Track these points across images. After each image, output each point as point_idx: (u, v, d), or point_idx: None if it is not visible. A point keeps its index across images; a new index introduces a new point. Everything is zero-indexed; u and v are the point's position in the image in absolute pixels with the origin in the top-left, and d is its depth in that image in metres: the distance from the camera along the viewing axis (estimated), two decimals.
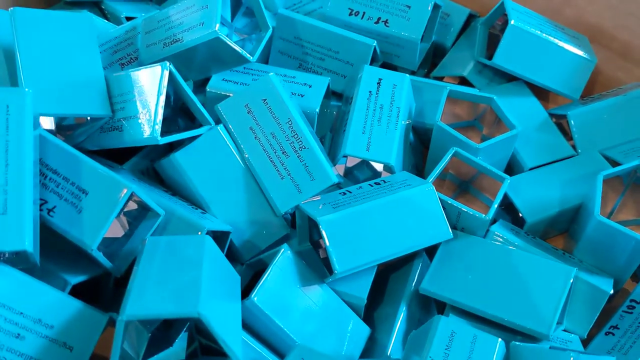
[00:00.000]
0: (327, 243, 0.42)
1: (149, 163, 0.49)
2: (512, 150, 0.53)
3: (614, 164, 0.52)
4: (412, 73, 0.56)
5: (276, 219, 0.47)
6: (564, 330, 0.45)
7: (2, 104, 0.38)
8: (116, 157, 0.47)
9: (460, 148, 0.48)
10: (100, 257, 0.40)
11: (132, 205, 0.43)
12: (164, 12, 0.50)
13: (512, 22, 0.53)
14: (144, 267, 0.38)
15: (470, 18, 0.61)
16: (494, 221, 0.49)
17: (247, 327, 0.41)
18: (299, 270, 0.43)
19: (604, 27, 0.57)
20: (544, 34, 0.54)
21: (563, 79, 0.56)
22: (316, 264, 0.45)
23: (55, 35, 0.45)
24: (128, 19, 0.57)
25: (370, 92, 0.50)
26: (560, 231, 0.53)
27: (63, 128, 0.47)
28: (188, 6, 0.48)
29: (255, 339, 0.41)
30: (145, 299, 0.36)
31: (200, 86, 0.52)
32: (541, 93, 0.58)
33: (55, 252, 0.41)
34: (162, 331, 0.40)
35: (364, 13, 0.55)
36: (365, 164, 0.52)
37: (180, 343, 0.40)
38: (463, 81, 0.58)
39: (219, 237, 0.44)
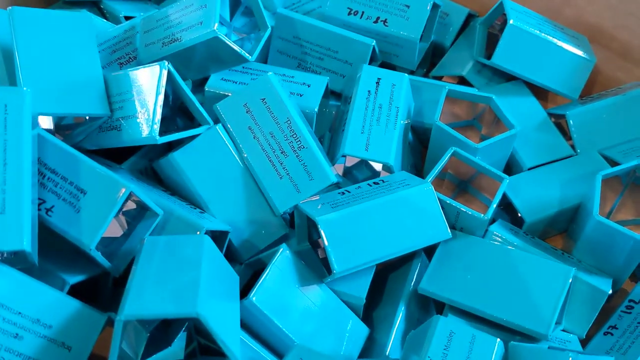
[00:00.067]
0: (326, 243, 0.42)
1: (148, 162, 0.48)
2: (511, 150, 0.53)
3: (613, 163, 0.52)
4: (411, 73, 0.56)
5: (275, 219, 0.47)
6: (563, 330, 0.45)
7: (1, 104, 0.38)
8: (115, 156, 0.47)
9: (459, 148, 0.48)
10: (98, 256, 0.40)
11: (131, 205, 0.43)
12: (162, 11, 0.50)
13: (511, 21, 0.53)
14: (142, 266, 0.38)
15: (470, 18, 0.61)
16: (492, 221, 0.49)
17: (245, 327, 0.41)
18: (297, 270, 0.43)
19: (603, 27, 0.57)
20: (543, 34, 0.54)
21: (562, 79, 0.56)
22: (315, 264, 0.45)
23: (54, 34, 0.45)
24: (127, 18, 0.57)
25: (369, 91, 0.50)
26: (559, 231, 0.53)
27: (62, 127, 0.47)
28: (187, 5, 0.48)
29: (254, 339, 0.41)
30: (143, 299, 0.36)
31: (198, 85, 0.52)
32: (540, 93, 0.58)
33: (53, 252, 0.41)
34: (161, 331, 0.40)
35: (363, 12, 0.55)
36: (364, 163, 0.52)
37: (179, 343, 0.40)
38: (462, 81, 0.58)
39: (218, 237, 0.44)
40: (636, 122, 0.54)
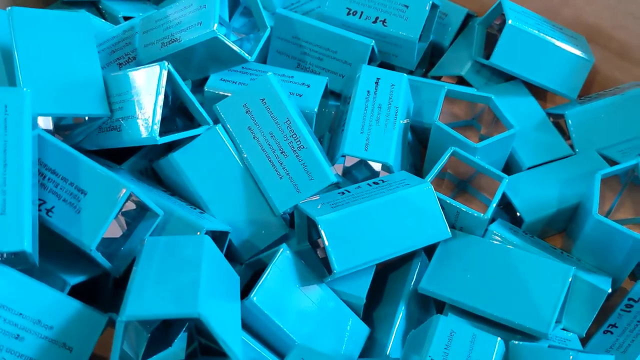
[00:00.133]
0: (326, 243, 0.42)
1: (148, 163, 0.48)
2: (510, 150, 0.53)
3: (612, 163, 0.52)
4: (410, 73, 0.56)
5: (275, 219, 0.47)
6: (563, 329, 0.45)
7: (1, 104, 0.38)
8: (114, 157, 0.47)
9: (459, 147, 0.49)
10: (99, 257, 0.40)
11: (131, 206, 0.43)
12: (161, 11, 0.50)
13: (510, 21, 0.53)
14: (143, 267, 0.38)
15: (468, 18, 0.61)
16: (492, 220, 0.49)
17: (246, 327, 0.41)
18: (298, 270, 0.43)
19: (602, 27, 0.58)
20: (542, 34, 0.54)
21: (561, 79, 0.56)
22: (315, 264, 0.45)
23: (53, 34, 0.45)
24: (126, 18, 0.56)
25: (368, 91, 0.50)
26: (559, 230, 0.53)
27: (61, 128, 0.47)
28: (186, 6, 0.48)
29: (255, 339, 0.41)
30: (144, 300, 0.36)
31: (198, 86, 0.52)
32: (539, 92, 0.58)
33: (54, 253, 0.41)
34: (162, 331, 0.40)
35: (362, 13, 0.55)
36: (363, 163, 0.52)
37: (180, 343, 0.40)
38: (461, 81, 0.58)
39: (218, 237, 0.44)
40: (634, 122, 0.54)
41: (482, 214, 0.46)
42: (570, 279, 0.43)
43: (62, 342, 0.38)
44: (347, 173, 0.52)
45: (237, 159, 0.46)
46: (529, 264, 0.44)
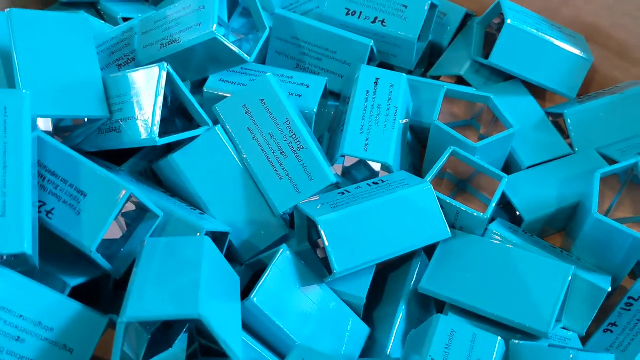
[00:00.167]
0: (326, 243, 0.42)
1: (147, 164, 0.48)
2: (509, 149, 0.53)
3: (611, 162, 0.52)
4: (409, 72, 0.56)
5: (275, 220, 0.47)
6: (563, 328, 0.45)
7: (0, 106, 0.38)
8: (114, 158, 0.47)
9: (458, 147, 0.49)
10: (99, 259, 0.40)
11: (131, 207, 0.43)
12: (160, 12, 0.50)
13: (509, 21, 0.53)
14: (143, 268, 0.38)
15: (467, 17, 0.61)
16: (492, 220, 0.49)
17: (246, 327, 0.41)
18: (298, 270, 0.43)
19: (600, 27, 0.58)
20: (541, 33, 0.54)
21: (560, 78, 0.56)
22: (315, 264, 0.45)
23: (53, 36, 0.45)
24: (124, 19, 0.56)
25: (367, 91, 0.50)
26: (558, 229, 0.53)
27: (60, 130, 0.47)
28: (185, 7, 0.48)
29: (255, 340, 0.41)
30: (145, 301, 0.36)
31: (197, 87, 0.52)
32: (538, 92, 0.58)
33: (54, 254, 0.41)
34: (162, 332, 0.40)
35: (361, 13, 0.55)
36: (362, 163, 0.52)
37: (181, 344, 0.40)
38: (460, 80, 0.58)
39: (218, 238, 0.44)
40: (633, 120, 0.55)
41: (481, 214, 0.46)
42: (570, 278, 0.43)
43: (62, 343, 0.38)
44: (347, 173, 0.52)
45: (237, 159, 0.46)
46: (529, 263, 0.44)
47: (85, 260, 0.41)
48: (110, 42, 0.51)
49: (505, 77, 0.58)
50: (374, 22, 0.54)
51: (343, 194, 0.45)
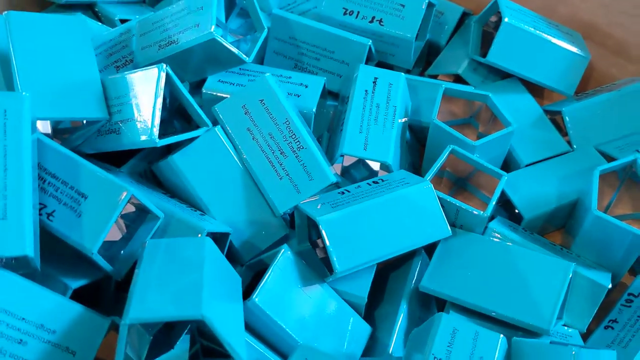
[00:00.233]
0: (327, 243, 0.42)
1: (147, 165, 0.48)
2: (508, 147, 0.53)
3: (609, 159, 0.52)
4: (407, 72, 0.56)
5: (275, 220, 0.47)
6: (564, 325, 0.45)
7: (0, 109, 0.38)
8: (113, 159, 0.47)
9: (457, 146, 0.49)
10: (100, 260, 0.40)
11: (131, 208, 0.43)
12: (158, 14, 0.50)
13: (506, 19, 0.53)
14: (145, 270, 0.38)
15: (464, 16, 0.61)
16: (491, 218, 0.49)
17: (248, 328, 0.41)
18: (299, 270, 0.43)
19: (597, 25, 0.58)
20: (538, 31, 0.54)
21: (557, 76, 0.56)
22: (316, 264, 0.45)
23: (51, 38, 0.45)
24: (122, 21, 0.56)
25: (366, 91, 0.50)
26: (557, 227, 0.53)
27: (58, 131, 0.47)
28: (183, 8, 0.48)
29: (258, 340, 0.41)
30: (148, 302, 0.36)
31: (195, 88, 0.52)
32: (536, 90, 0.58)
33: (55, 257, 0.41)
34: (164, 334, 0.40)
35: (359, 12, 0.55)
36: (361, 162, 0.52)
37: (183, 345, 0.40)
38: (457, 79, 0.58)
39: (219, 239, 0.44)
40: (631, 118, 0.55)
41: (482, 212, 0.46)
42: (570, 275, 0.43)
43: (65, 346, 0.38)
44: (346, 172, 0.52)
45: (237, 160, 0.46)
46: (529, 260, 0.44)
47: (86, 262, 0.41)
48: (108, 43, 0.51)
49: (502, 75, 0.58)
50: (371, 21, 0.54)
51: (343, 193, 0.45)
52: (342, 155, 0.49)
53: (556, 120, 0.56)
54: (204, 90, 0.50)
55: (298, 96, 0.50)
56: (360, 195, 0.45)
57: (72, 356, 0.38)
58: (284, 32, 0.54)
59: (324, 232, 0.42)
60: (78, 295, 0.40)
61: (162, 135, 0.43)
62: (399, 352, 0.44)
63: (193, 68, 0.50)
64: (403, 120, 0.51)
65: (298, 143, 0.46)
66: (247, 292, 0.42)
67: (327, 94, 0.53)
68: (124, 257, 0.42)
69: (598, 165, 0.48)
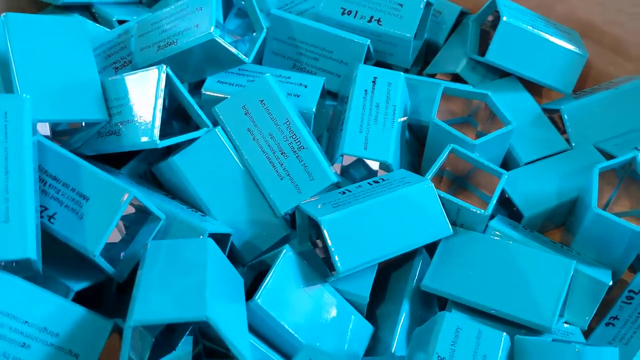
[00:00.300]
0: (329, 242, 0.42)
1: (147, 167, 0.48)
2: (507, 146, 0.53)
3: (608, 156, 0.53)
4: (406, 71, 0.56)
5: (276, 220, 0.47)
6: (565, 323, 0.46)
7: (1, 111, 0.38)
8: (113, 161, 0.47)
9: (457, 144, 0.49)
10: (102, 263, 0.40)
11: (133, 210, 0.43)
12: (157, 14, 0.49)
13: (504, 18, 0.54)
14: (147, 271, 0.38)
15: (462, 15, 0.61)
16: (492, 216, 0.49)
17: (251, 328, 0.41)
18: (301, 270, 0.43)
19: (594, 23, 0.58)
20: (536, 30, 0.55)
21: (555, 74, 0.56)
22: (318, 264, 0.45)
23: (49, 40, 0.45)
24: (119, 22, 0.56)
25: (365, 90, 0.50)
26: (557, 225, 0.53)
27: (57, 133, 0.47)
28: (182, 8, 0.48)
29: (261, 341, 0.41)
30: (152, 304, 0.36)
31: (194, 88, 0.51)
32: (534, 88, 0.58)
33: (56, 259, 0.40)
34: (166, 335, 0.40)
35: (357, 12, 0.55)
36: (361, 162, 0.52)
37: (185, 347, 0.40)
38: (455, 78, 0.58)
39: (220, 240, 0.44)
40: (629, 115, 0.55)
41: (482, 210, 0.46)
42: (571, 273, 0.43)
43: (68, 349, 0.38)
44: (345, 172, 0.52)
45: (237, 160, 0.46)
46: (530, 259, 0.44)
47: (88, 264, 0.41)
48: (107, 44, 0.51)
49: (501, 74, 0.58)
50: (369, 21, 0.54)
51: (344, 193, 0.45)
52: (342, 155, 0.49)
53: (554, 119, 0.57)
54: (203, 91, 0.50)
55: (297, 96, 0.49)
56: (361, 194, 0.45)
57: (75, 359, 0.38)
58: (283, 33, 0.54)
59: (325, 232, 0.42)
60: (80, 298, 0.40)
61: (162, 136, 0.43)
62: (401, 352, 0.44)
63: (192, 69, 0.50)
64: (403, 119, 0.51)
65: (299, 143, 0.46)
66: (249, 292, 0.42)
67: (326, 93, 0.53)
68: (125, 259, 0.42)
69: (597, 163, 0.48)
